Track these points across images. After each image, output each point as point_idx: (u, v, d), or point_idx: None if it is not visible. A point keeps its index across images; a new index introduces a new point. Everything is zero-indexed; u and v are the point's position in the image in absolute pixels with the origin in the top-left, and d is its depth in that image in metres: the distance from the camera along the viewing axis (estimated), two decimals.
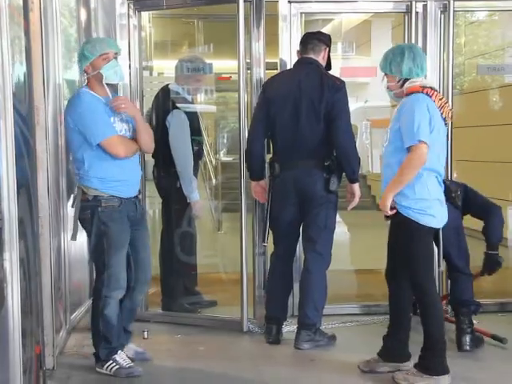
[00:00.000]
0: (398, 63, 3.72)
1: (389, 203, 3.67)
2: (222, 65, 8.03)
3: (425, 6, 5.03)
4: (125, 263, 3.91)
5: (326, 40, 4.56)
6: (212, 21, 7.12)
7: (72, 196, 4.10)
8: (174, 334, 4.67)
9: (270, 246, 4.68)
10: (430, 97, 3.65)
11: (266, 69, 4.81)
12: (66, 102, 4.26)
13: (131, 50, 4.89)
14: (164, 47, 7.76)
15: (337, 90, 4.36)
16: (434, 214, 3.72)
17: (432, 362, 3.72)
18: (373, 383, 3.81)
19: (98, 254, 3.88)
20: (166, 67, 7.36)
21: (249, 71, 4.82)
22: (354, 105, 10.56)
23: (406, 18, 5.10)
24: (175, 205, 5.07)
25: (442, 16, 5.05)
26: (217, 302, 5.32)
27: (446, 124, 3.75)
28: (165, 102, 5.03)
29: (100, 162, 3.79)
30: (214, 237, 7.81)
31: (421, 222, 3.69)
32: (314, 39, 4.52)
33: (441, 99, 3.71)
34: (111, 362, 3.89)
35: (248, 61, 4.78)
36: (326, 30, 7.95)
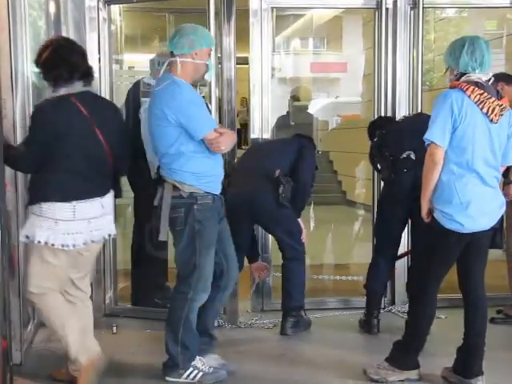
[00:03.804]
0: (457, 56, 3.53)
1: (425, 210, 3.53)
2: None
3: (395, 3, 5.08)
4: (213, 264, 3.71)
5: None
6: (183, 15, 7.10)
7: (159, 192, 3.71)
8: (143, 329, 4.64)
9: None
10: (465, 92, 3.42)
11: (237, 63, 4.81)
12: (33, 96, 4.20)
13: (101, 43, 4.86)
14: (135, 41, 7.72)
15: None
16: (461, 220, 3.44)
17: (406, 357, 3.68)
18: (343, 378, 3.80)
19: (189, 256, 3.62)
20: (136, 61, 7.32)
21: (220, 66, 4.82)
22: (324, 100, 10.64)
23: (377, 13, 5.14)
24: (146, 199, 5.02)
25: (412, 12, 5.10)
26: None
27: (491, 120, 3.42)
28: (138, 95, 5.00)
29: (197, 156, 3.58)
30: None
31: (446, 226, 3.46)
32: None
33: (482, 94, 3.42)
34: (192, 369, 3.69)
35: (219, 55, 4.78)
36: (297, 25, 7.96)
